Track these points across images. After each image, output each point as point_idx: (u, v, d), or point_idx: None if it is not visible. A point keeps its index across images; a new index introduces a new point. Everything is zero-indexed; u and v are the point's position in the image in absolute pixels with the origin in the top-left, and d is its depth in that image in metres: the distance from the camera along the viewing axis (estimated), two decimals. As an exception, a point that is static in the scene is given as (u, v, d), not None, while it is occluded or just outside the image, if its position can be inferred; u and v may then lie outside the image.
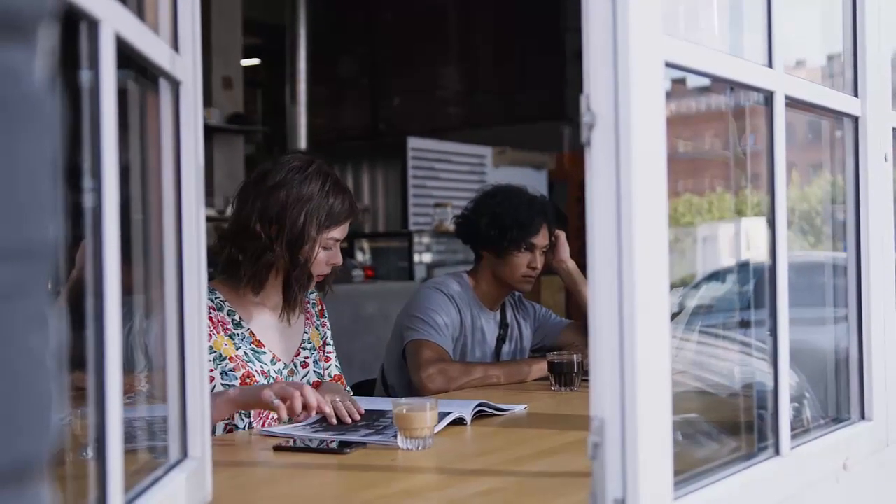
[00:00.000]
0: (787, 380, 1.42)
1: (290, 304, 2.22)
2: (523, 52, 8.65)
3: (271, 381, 2.14)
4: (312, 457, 1.75)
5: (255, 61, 9.12)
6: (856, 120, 1.70)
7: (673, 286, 1.17)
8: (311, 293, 2.35)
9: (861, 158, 1.70)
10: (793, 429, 1.44)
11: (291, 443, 1.82)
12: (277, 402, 1.86)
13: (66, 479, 1.14)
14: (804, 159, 1.89)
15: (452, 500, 1.47)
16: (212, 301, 2.14)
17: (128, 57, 1.03)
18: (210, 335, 2.09)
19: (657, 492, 1.08)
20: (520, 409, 2.22)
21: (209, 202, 6.18)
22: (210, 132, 6.54)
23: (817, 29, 1.94)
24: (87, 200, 0.90)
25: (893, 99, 1.80)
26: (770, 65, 1.40)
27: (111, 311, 0.91)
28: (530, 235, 2.81)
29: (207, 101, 6.04)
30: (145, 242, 1.23)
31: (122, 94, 1.06)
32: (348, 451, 1.75)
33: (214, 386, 2.06)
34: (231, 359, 2.12)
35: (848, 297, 1.72)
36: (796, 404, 1.56)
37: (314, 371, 2.30)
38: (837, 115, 1.71)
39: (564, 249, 2.95)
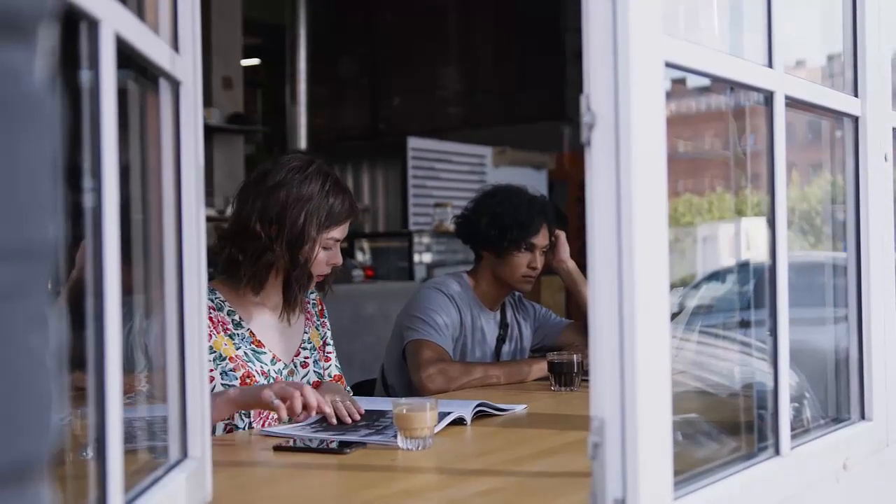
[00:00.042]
0: (787, 380, 1.42)
1: (291, 304, 2.22)
2: (523, 52, 8.65)
3: (271, 381, 2.14)
4: (312, 457, 1.75)
5: (255, 61, 9.12)
6: (856, 120, 1.70)
7: (673, 286, 1.17)
8: (311, 293, 2.35)
9: (861, 158, 1.70)
10: (793, 429, 1.44)
11: (291, 443, 1.82)
12: (277, 402, 1.86)
13: (66, 479, 1.14)
14: (804, 159, 1.89)
15: (452, 500, 1.47)
16: (212, 301, 2.14)
17: (128, 57, 1.03)
18: (210, 335, 2.09)
19: (657, 492, 1.08)
20: (520, 409, 2.22)
21: (209, 202, 6.18)
22: (210, 132, 6.54)
23: (817, 29, 1.94)
24: (87, 200, 0.90)
25: (893, 99, 1.80)
26: (770, 65, 1.40)
27: (111, 310, 0.91)
28: (530, 235, 2.81)
29: (207, 101, 6.05)
30: (145, 242, 1.23)
31: (122, 94, 1.06)
32: (348, 451, 1.75)
33: (214, 386, 2.06)
34: (231, 359, 2.12)
35: (848, 297, 1.72)
36: (796, 404, 1.56)
37: (314, 371, 2.30)
38: (837, 115, 1.71)
39: (564, 249, 2.95)
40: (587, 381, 2.01)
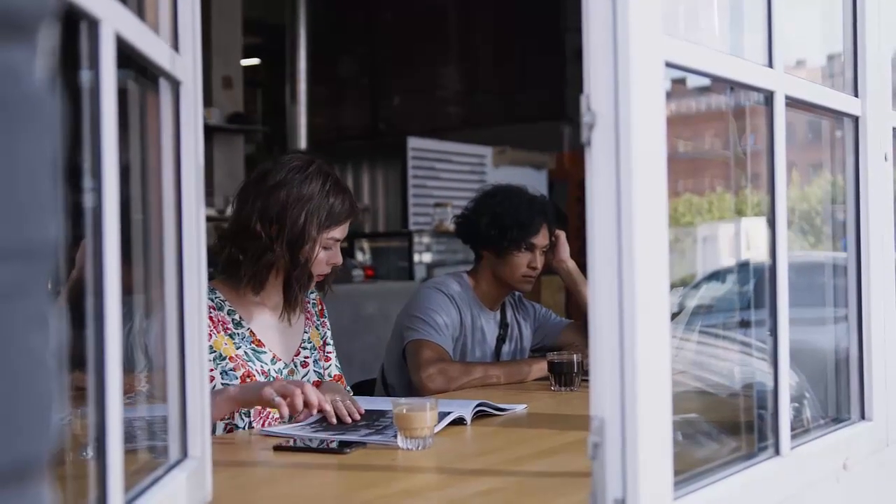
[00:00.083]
0: (787, 380, 1.42)
1: (291, 303, 2.22)
2: (523, 52, 8.65)
3: (271, 380, 2.14)
4: (312, 457, 1.75)
5: (255, 61, 9.12)
6: (856, 120, 1.70)
7: (673, 286, 1.17)
8: (311, 293, 2.35)
9: (861, 158, 1.70)
10: (793, 429, 1.44)
11: (291, 443, 1.82)
12: (279, 399, 1.87)
13: (66, 478, 1.14)
14: (804, 159, 1.89)
15: (452, 499, 1.47)
16: (212, 300, 2.14)
17: (128, 56, 1.03)
18: (210, 335, 2.09)
19: (657, 492, 1.08)
20: (520, 408, 2.22)
21: (209, 202, 6.18)
22: (210, 132, 6.54)
23: (817, 29, 1.94)
24: (88, 200, 0.90)
25: (893, 99, 1.80)
26: (770, 65, 1.40)
27: (111, 310, 0.91)
28: (530, 235, 2.81)
29: (207, 100, 6.04)
30: (145, 242, 1.23)
31: (123, 94, 1.06)
32: (348, 450, 1.75)
33: (214, 385, 2.06)
34: (231, 358, 2.12)
35: (848, 297, 1.72)
36: (796, 404, 1.56)
37: (314, 371, 2.30)
38: (837, 115, 1.71)
39: (564, 249, 2.95)
40: (587, 380, 2.01)
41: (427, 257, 6.73)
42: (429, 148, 7.36)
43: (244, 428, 2.10)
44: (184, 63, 1.25)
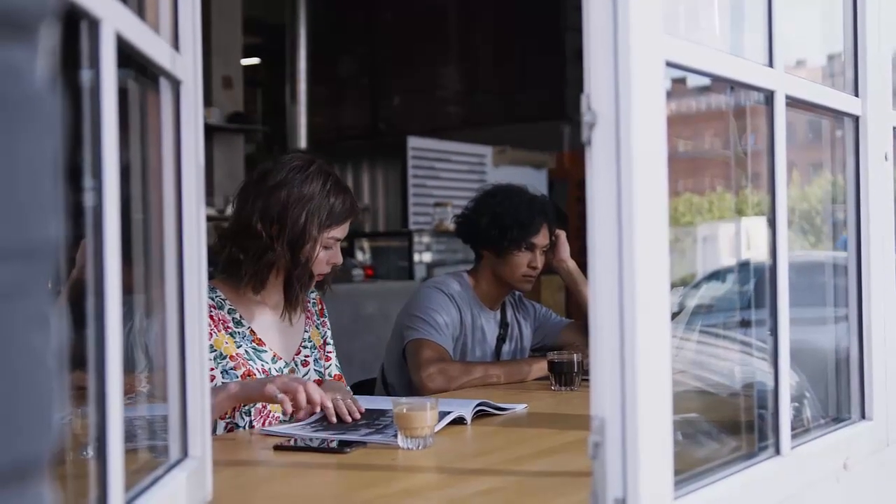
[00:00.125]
0: (788, 379, 1.42)
1: (292, 303, 2.22)
2: (523, 52, 8.65)
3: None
4: (313, 456, 1.75)
5: (255, 61, 9.12)
6: (856, 119, 1.70)
7: (673, 286, 1.17)
8: (311, 292, 2.36)
9: (861, 158, 1.70)
10: (793, 428, 1.44)
11: (292, 442, 1.82)
12: (282, 395, 1.87)
13: (66, 478, 1.13)
14: (804, 159, 1.89)
15: (452, 499, 1.47)
16: (212, 299, 2.15)
17: (128, 56, 1.03)
18: (211, 334, 2.09)
19: (657, 491, 1.08)
20: (520, 408, 2.22)
21: (209, 201, 6.18)
22: (210, 131, 6.54)
23: (818, 28, 1.94)
24: (88, 200, 0.90)
25: (894, 98, 1.80)
26: (770, 64, 1.40)
27: (112, 310, 0.91)
28: (530, 235, 2.81)
29: (207, 100, 6.04)
30: (146, 242, 1.23)
31: (123, 94, 1.06)
32: (348, 450, 1.75)
33: (215, 385, 2.06)
34: (232, 357, 2.12)
35: (848, 297, 1.72)
36: (796, 404, 1.56)
37: (314, 369, 2.30)
38: (838, 115, 1.71)
39: (565, 249, 2.95)
40: (587, 380, 2.01)
41: (427, 257, 6.73)
42: (429, 148, 7.36)
43: (245, 427, 2.10)
44: (184, 62, 1.25)
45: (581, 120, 1.07)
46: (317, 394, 1.91)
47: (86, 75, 0.90)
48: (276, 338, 2.23)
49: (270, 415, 2.13)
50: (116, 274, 0.92)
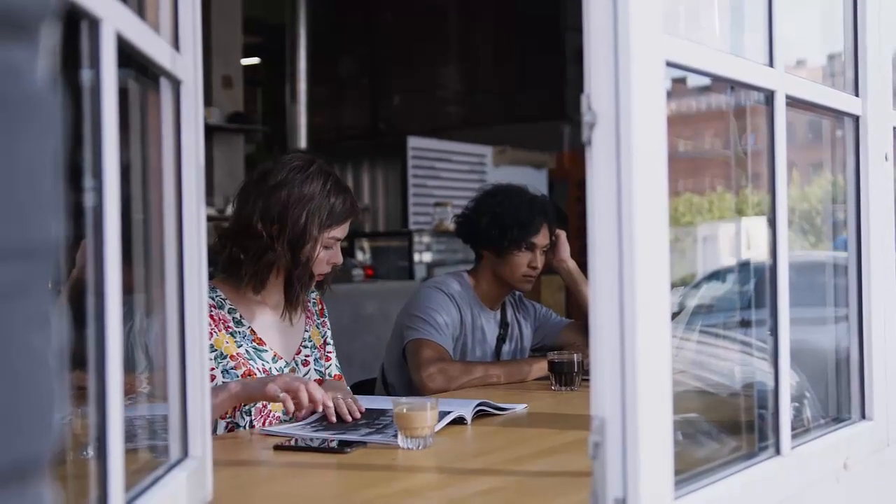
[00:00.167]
0: (788, 379, 1.42)
1: (293, 303, 2.22)
2: (523, 52, 8.65)
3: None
4: (313, 456, 1.75)
5: (255, 60, 9.12)
6: (856, 119, 1.70)
7: (673, 286, 1.16)
8: (311, 292, 2.36)
9: (862, 158, 1.70)
10: (793, 428, 1.44)
11: (292, 442, 1.82)
12: (284, 394, 1.87)
13: (66, 478, 1.13)
14: (805, 159, 1.89)
15: (452, 499, 1.47)
16: (213, 299, 2.15)
17: (128, 56, 1.03)
18: (211, 333, 2.09)
19: (658, 491, 1.08)
20: (520, 408, 2.22)
21: (209, 201, 6.18)
22: (210, 131, 6.54)
23: (818, 28, 1.94)
24: (88, 199, 0.90)
25: (894, 98, 1.80)
26: (771, 64, 1.40)
27: (112, 310, 0.91)
28: (531, 235, 2.81)
29: (207, 100, 6.03)
30: (146, 241, 1.23)
31: (123, 93, 1.06)
32: (349, 450, 1.75)
33: (216, 384, 2.06)
34: (232, 357, 2.12)
35: (848, 297, 1.72)
36: (797, 404, 1.56)
37: (315, 369, 2.30)
38: (838, 115, 1.71)
39: (565, 249, 2.95)
40: (587, 380, 2.01)
41: (427, 257, 6.73)
42: (429, 147, 7.36)
43: (245, 427, 2.10)
44: (184, 62, 1.25)
45: (581, 120, 1.07)
46: (318, 393, 1.92)
47: (86, 75, 0.90)
48: (276, 337, 2.23)
49: (271, 414, 2.13)
50: (117, 274, 0.92)
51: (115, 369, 0.91)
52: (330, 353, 2.38)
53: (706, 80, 1.41)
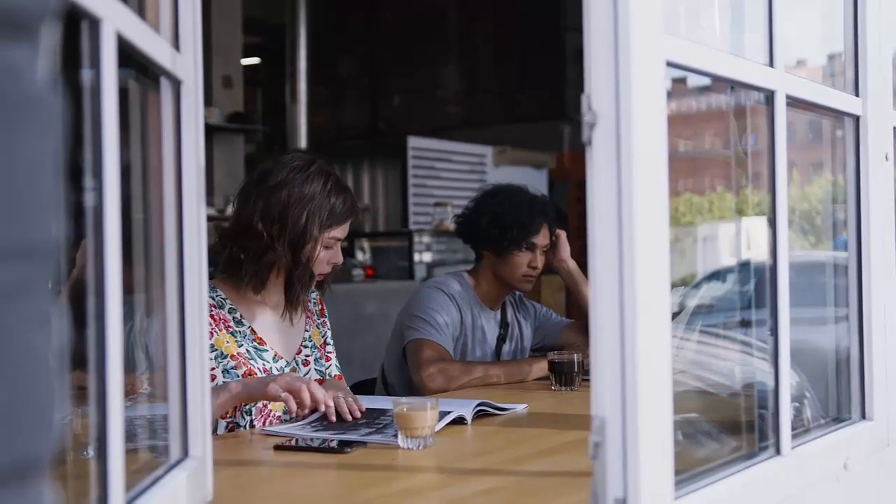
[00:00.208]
0: (788, 379, 1.42)
1: (293, 303, 2.22)
2: (523, 52, 8.65)
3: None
4: (313, 456, 1.75)
5: (255, 60, 9.12)
6: (857, 119, 1.70)
7: (673, 286, 1.16)
8: (311, 292, 2.36)
9: (862, 158, 1.70)
10: (793, 428, 1.44)
11: (292, 442, 1.82)
12: (286, 394, 1.88)
13: (67, 478, 1.13)
14: (805, 159, 1.89)
15: (453, 499, 1.47)
16: (213, 299, 2.15)
17: (129, 56, 1.03)
18: (212, 333, 2.10)
19: (658, 491, 1.08)
20: (520, 408, 2.22)
21: (209, 201, 6.18)
22: (210, 131, 6.54)
23: (818, 28, 1.94)
24: (89, 199, 0.90)
25: (894, 98, 1.80)
26: (771, 64, 1.40)
27: (112, 310, 0.91)
28: (531, 235, 2.81)
29: (208, 100, 6.02)
30: (146, 241, 1.23)
31: (124, 93, 1.06)
32: (349, 450, 1.75)
33: (216, 384, 2.06)
34: (233, 356, 2.12)
35: (848, 297, 1.72)
36: (797, 404, 1.56)
37: (315, 369, 2.30)
38: (838, 115, 1.71)
39: (565, 249, 2.95)
40: (588, 380, 2.01)
41: (427, 257, 6.73)
42: (429, 147, 7.36)
43: (245, 426, 2.10)
44: (185, 62, 1.25)
45: (581, 120, 1.07)
46: (320, 392, 1.93)
47: (86, 75, 0.90)
48: (276, 337, 2.23)
49: (271, 414, 2.13)
50: (117, 274, 0.92)
51: (115, 369, 0.91)
52: (330, 353, 2.38)
53: (706, 80, 1.41)
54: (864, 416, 1.70)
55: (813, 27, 1.94)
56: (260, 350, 2.18)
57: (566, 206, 6.55)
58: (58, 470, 0.65)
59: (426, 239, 6.75)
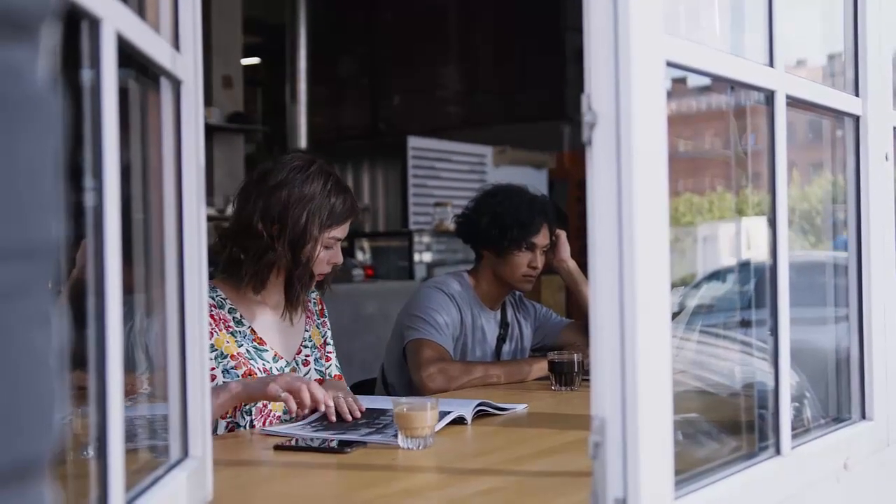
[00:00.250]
0: (788, 379, 1.42)
1: (293, 303, 2.22)
2: (523, 52, 8.65)
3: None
4: (313, 456, 1.75)
5: (255, 60, 9.12)
6: (857, 119, 1.70)
7: (673, 286, 1.16)
8: (312, 292, 2.36)
9: (862, 158, 1.70)
10: (793, 428, 1.44)
11: (292, 442, 1.82)
12: (285, 394, 1.88)
13: (67, 478, 1.13)
14: (805, 159, 1.89)
15: (453, 499, 1.47)
16: (213, 299, 2.15)
17: (129, 56, 1.03)
18: (212, 333, 2.10)
19: (658, 491, 1.08)
20: (520, 408, 2.22)
21: (209, 201, 6.18)
22: (210, 131, 6.54)
23: (818, 28, 1.94)
24: (89, 199, 0.90)
25: (894, 98, 1.80)
26: (771, 64, 1.40)
27: (112, 310, 0.91)
28: (531, 235, 2.81)
29: (208, 100, 6.01)
30: (146, 241, 1.23)
31: (124, 93, 1.06)
32: (349, 450, 1.75)
33: (216, 384, 2.06)
34: (233, 356, 2.12)
35: (848, 297, 1.72)
36: (797, 404, 1.56)
37: (315, 369, 2.30)
38: (838, 115, 1.71)
39: (565, 249, 2.95)
40: (588, 380, 2.01)
41: (427, 257, 6.73)
42: (429, 147, 7.36)
43: (245, 426, 2.10)
44: (185, 62, 1.25)
45: (581, 120, 1.07)
46: (320, 392, 1.93)
47: (86, 75, 0.90)
48: (276, 337, 2.23)
49: (271, 414, 2.13)
50: (117, 274, 0.92)
51: (115, 369, 0.91)
52: (330, 353, 2.38)
53: (706, 80, 1.41)
54: (864, 416, 1.70)
55: (813, 27, 1.94)
56: (260, 350, 2.18)
57: (566, 206, 6.54)
58: (58, 470, 0.65)
59: (426, 239, 6.75)
